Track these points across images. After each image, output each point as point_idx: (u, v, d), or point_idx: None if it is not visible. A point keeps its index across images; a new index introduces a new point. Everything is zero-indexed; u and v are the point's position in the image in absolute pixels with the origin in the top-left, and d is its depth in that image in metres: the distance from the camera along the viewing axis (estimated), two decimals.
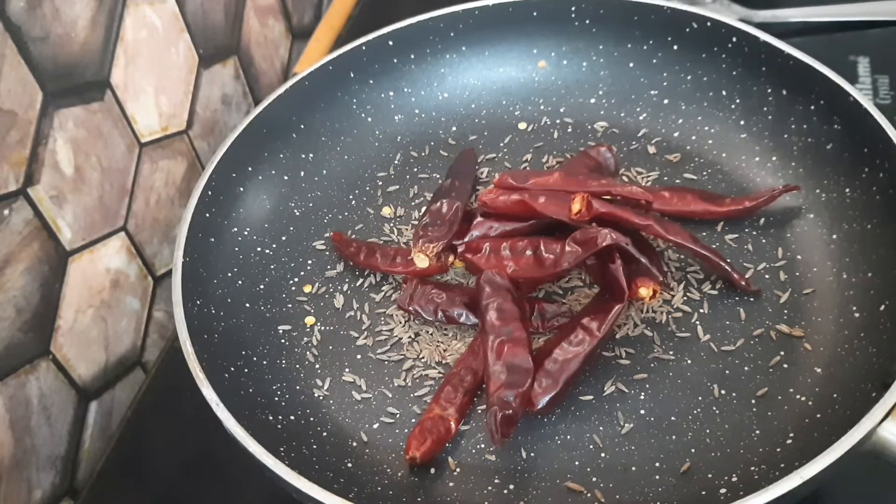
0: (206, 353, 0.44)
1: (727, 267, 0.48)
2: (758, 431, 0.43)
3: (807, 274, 0.49)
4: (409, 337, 0.50)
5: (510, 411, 0.41)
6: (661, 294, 0.48)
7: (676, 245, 0.49)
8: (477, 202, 0.53)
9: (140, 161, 0.57)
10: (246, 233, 0.54)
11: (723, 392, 0.45)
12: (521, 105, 0.62)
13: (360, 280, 0.53)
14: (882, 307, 0.45)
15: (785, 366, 0.46)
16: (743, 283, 0.48)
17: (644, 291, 0.45)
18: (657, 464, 0.43)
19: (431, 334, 0.50)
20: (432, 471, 0.44)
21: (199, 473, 0.50)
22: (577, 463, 0.43)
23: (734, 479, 0.41)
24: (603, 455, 0.43)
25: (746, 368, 0.46)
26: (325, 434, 0.46)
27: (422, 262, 0.49)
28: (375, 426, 0.46)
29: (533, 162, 0.58)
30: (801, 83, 0.53)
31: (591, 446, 0.44)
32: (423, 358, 0.49)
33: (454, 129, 0.61)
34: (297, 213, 0.57)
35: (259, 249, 0.54)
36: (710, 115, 0.58)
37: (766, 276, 0.50)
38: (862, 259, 0.48)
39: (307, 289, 0.53)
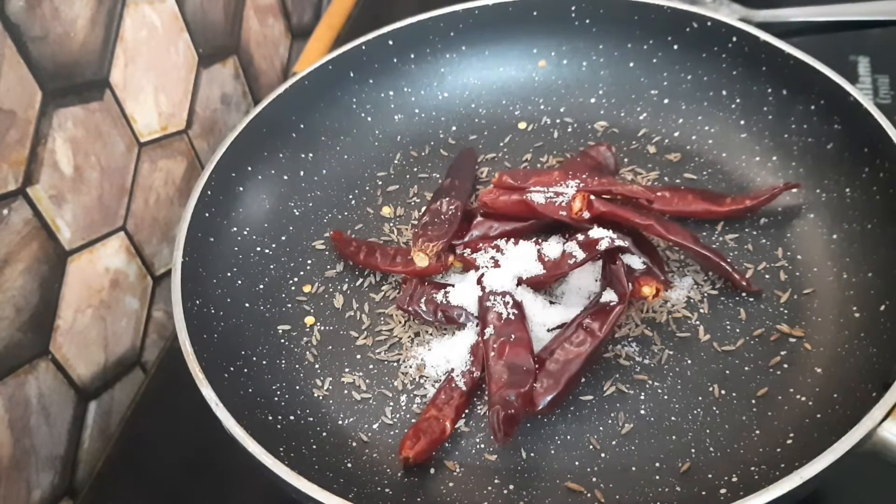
0: (205, 353, 0.44)
1: (728, 267, 0.48)
2: (758, 431, 0.43)
3: (807, 274, 0.49)
4: (409, 337, 0.50)
5: (512, 410, 0.41)
6: (663, 293, 0.48)
7: (677, 245, 0.49)
8: (477, 202, 0.53)
9: (139, 161, 0.57)
10: (245, 232, 0.54)
11: (723, 392, 0.45)
12: (521, 105, 0.62)
13: (360, 280, 0.53)
14: (882, 307, 0.45)
15: (785, 366, 0.46)
16: (743, 282, 0.48)
17: (647, 290, 0.45)
18: (657, 464, 0.43)
19: (431, 334, 0.50)
20: (432, 471, 0.44)
21: (199, 473, 0.50)
22: (577, 463, 0.43)
23: (734, 479, 0.41)
24: (603, 455, 0.43)
25: (746, 368, 0.46)
26: (324, 434, 0.46)
27: (421, 261, 0.49)
28: (375, 426, 0.46)
29: (533, 162, 0.58)
30: (801, 83, 0.53)
31: (591, 446, 0.44)
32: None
33: (454, 128, 0.61)
34: (297, 213, 0.57)
35: (259, 249, 0.54)
36: (710, 115, 0.58)
37: (767, 276, 0.50)
38: (862, 259, 0.48)
39: (307, 289, 0.53)
